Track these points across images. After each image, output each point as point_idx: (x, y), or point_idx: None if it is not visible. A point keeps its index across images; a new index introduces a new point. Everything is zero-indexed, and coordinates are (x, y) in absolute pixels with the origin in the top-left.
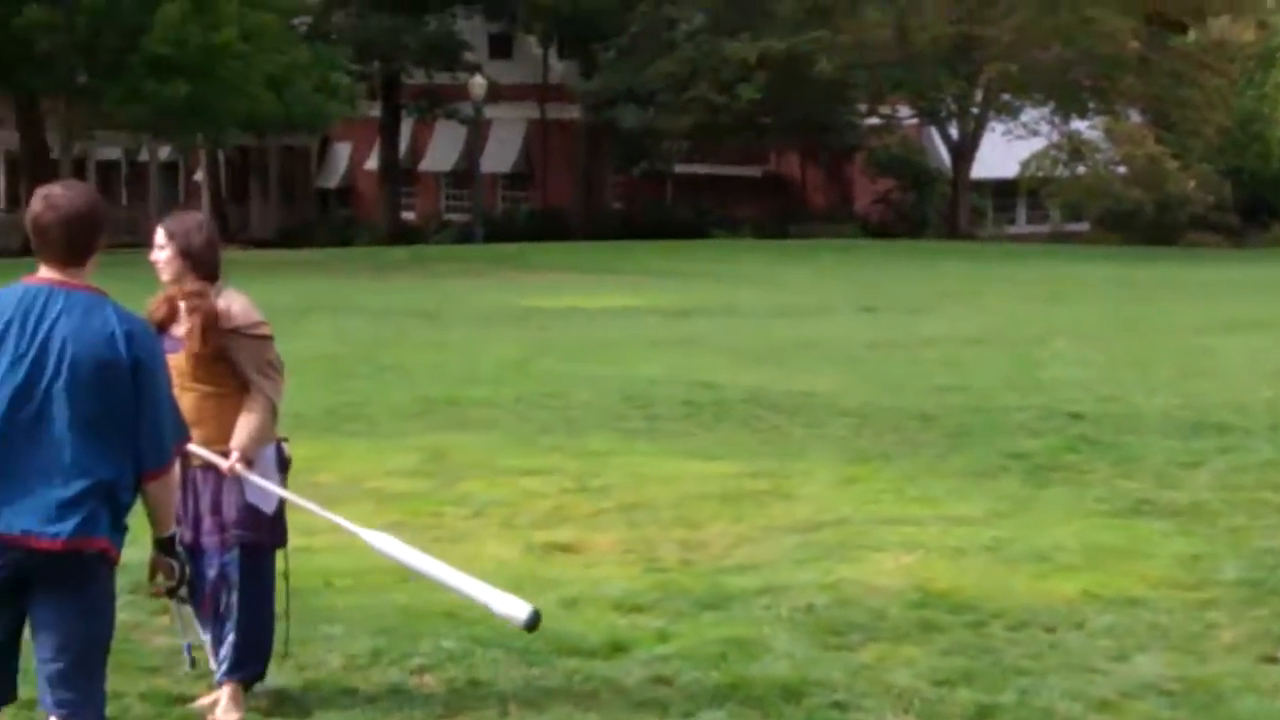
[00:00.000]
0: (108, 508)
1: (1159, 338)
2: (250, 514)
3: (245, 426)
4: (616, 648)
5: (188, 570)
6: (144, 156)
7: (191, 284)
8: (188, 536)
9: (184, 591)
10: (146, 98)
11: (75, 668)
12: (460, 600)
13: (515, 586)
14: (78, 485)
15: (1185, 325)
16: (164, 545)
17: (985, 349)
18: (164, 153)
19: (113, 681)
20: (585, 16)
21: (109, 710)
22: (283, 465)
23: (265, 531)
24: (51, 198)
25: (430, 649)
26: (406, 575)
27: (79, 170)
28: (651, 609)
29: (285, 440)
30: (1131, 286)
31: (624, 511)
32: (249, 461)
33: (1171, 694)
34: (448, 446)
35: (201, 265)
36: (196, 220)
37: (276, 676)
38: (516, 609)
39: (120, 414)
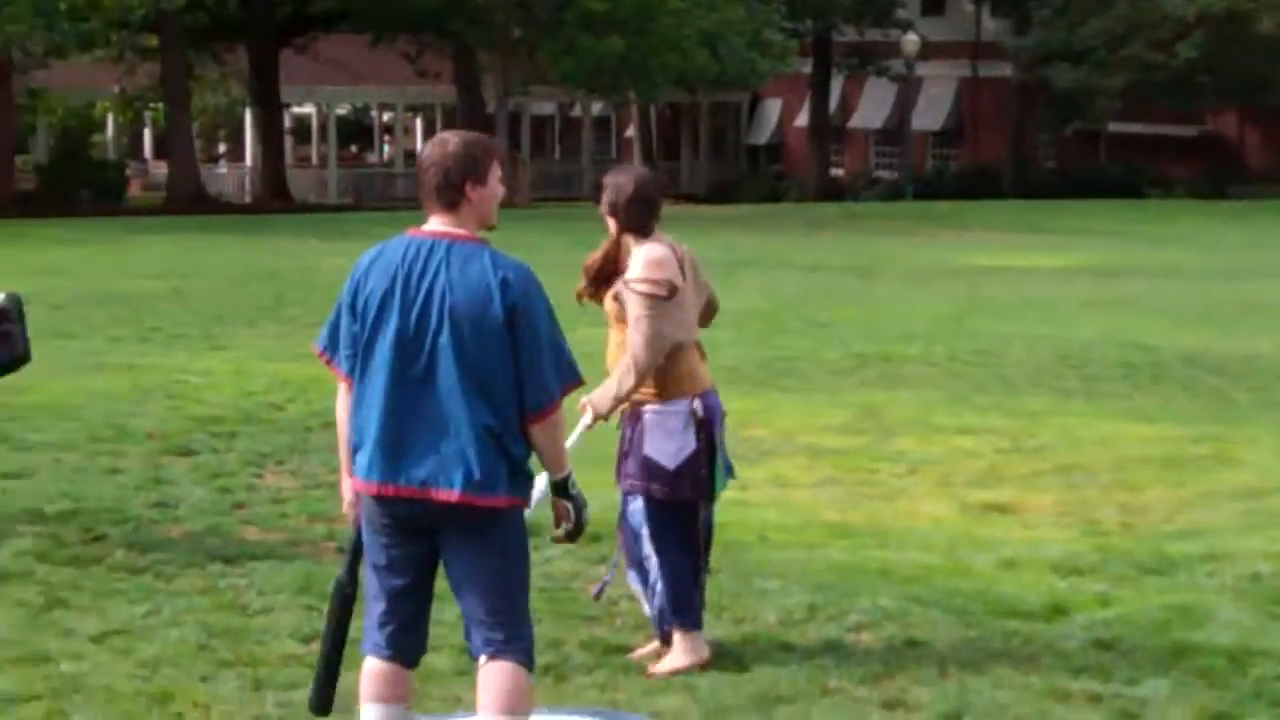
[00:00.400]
0: (503, 458)
1: None
2: (645, 466)
3: (608, 380)
4: (1056, 610)
5: (586, 514)
6: (577, 112)
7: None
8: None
9: (563, 530)
10: (581, 53)
11: (496, 611)
12: (897, 559)
13: (951, 546)
14: (469, 436)
15: None
16: (557, 488)
17: None
18: (596, 108)
19: (552, 629)
20: None
21: (550, 657)
22: (699, 422)
23: (660, 484)
24: (433, 141)
25: (867, 606)
26: (843, 531)
27: (514, 125)
28: (1091, 572)
29: (698, 396)
30: None
31: (1061, 473)
32: (597, 414)
33: None
34: (880, 403)
35: (625, 219)
36: (629, 175)
37: (713, 629)
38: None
39: (502, 362)
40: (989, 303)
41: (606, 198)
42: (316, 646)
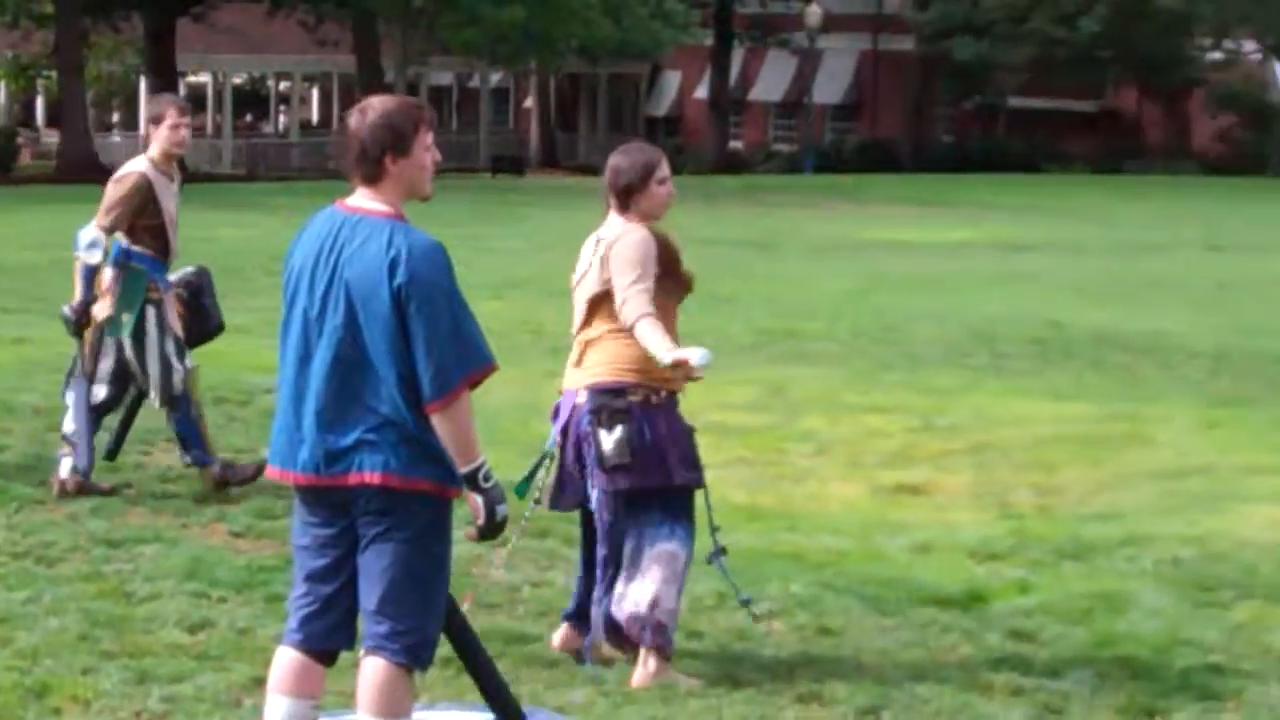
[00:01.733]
0: (394, 442)
1: None
2: None
3: None
4: (974, 598)
5: (501, 510)
6: (475, 82)
7: None
8: None
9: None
10: (483, 22)
11: (383, 603)
12: (808, 543)
13: (863, 530)
14: (363, 422)
15: None
16: (467, 481)
17: None
18: (495, 79)
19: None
20: None
21: (449, 648)
22: None
23: None
24: (355, 110)
25: (778, 593)
26: (751, 514)
27: (411, 95)
28: (1009, 557)
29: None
30: None
31: (973, 452)
32: None
33: None
34: (787, 381)
35: None
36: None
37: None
38: None
39: (396, 346)
40: (893, 277)
41: None
42: (205, 635)
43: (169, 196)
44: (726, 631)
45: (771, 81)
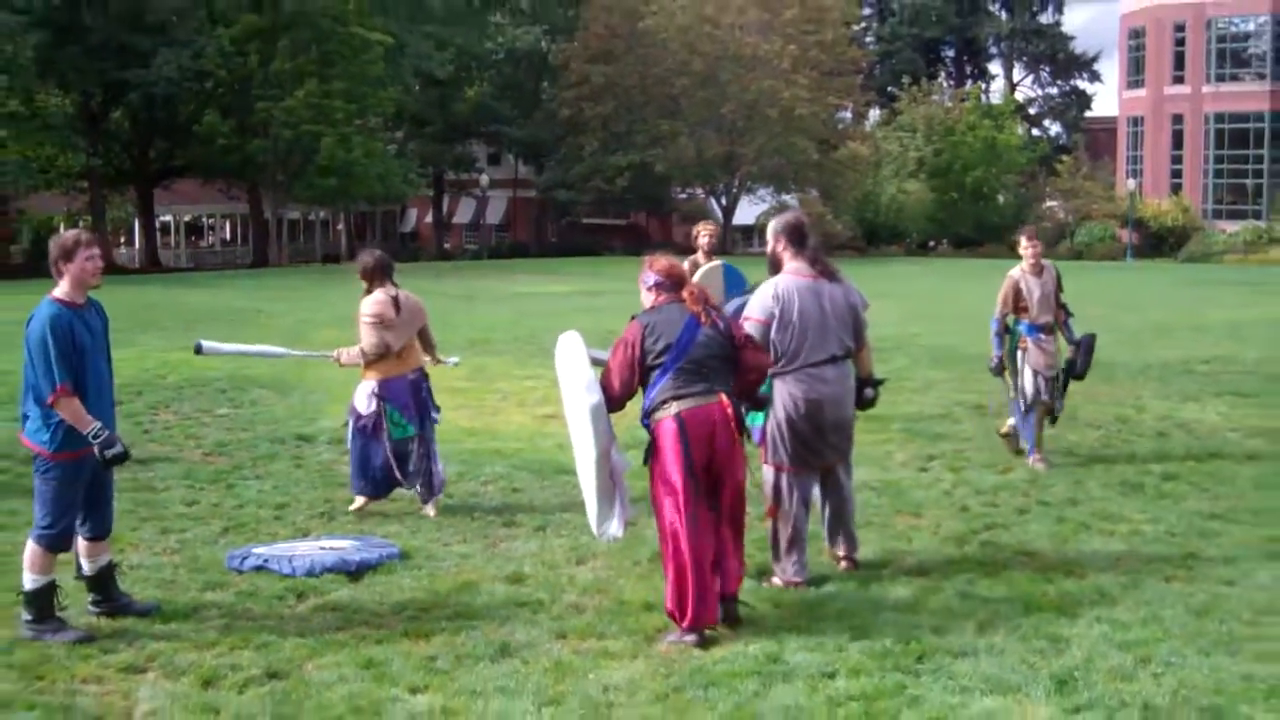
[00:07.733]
0: (33, 419)
1: None
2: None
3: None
4: None
5: (107, 452)
6: (312, 216)
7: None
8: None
9: None
10: (315, 187)
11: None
12: (503, 445)
13: (530, 437)
14: (27, 406)
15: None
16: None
17: None
18: (321, 214)
19: (323, 492)
20: (538, 144)
21: (324, 508)
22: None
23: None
24: (54, 239)
25: (490, 473)
26: (472, 432)
27: (278, 226)
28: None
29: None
30: None
31: None
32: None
33: (875, 489)
34: (485, 364)
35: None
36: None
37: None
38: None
39: (26, 369)
40: (532, 311)
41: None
42: (195, 508)
43: (1035, 287)
44: (464, 493)
45: (464, 213)
